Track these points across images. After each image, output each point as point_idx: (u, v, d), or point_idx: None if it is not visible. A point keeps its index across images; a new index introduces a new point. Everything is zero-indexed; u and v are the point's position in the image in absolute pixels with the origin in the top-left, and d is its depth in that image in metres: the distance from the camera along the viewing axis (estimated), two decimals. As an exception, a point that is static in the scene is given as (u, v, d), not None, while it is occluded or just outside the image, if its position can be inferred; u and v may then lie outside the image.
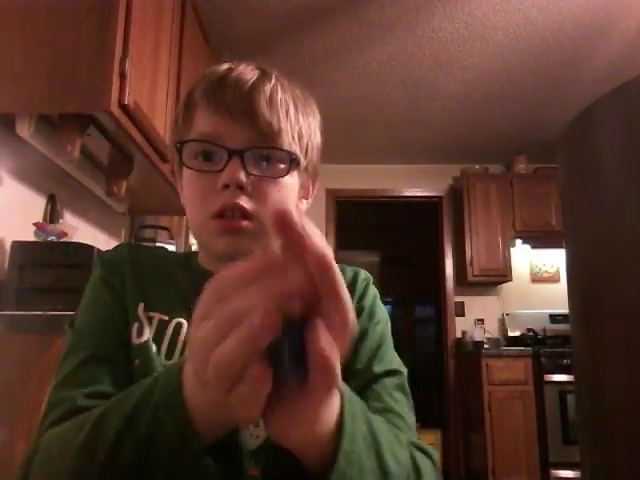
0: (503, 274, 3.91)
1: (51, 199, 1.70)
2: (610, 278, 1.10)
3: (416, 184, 4.39)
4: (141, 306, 0.59)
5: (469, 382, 3.74)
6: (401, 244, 6.26)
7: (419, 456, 0.49)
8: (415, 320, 6.48)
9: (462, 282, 4.08)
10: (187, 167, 0.59)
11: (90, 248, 1.47)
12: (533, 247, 4.15)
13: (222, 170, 0.56)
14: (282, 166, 0.59)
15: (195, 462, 0.38)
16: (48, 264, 1.42)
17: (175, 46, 1.92)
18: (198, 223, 0.59)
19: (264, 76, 0.60)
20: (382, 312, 0.68)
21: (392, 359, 0.64)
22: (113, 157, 1.78)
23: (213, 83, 0.59)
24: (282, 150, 0.58)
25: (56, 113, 1.44)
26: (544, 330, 3.85)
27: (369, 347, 0.62)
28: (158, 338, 0.57)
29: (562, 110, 3.38)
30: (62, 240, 1.56)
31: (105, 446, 0.40)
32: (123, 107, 1.41)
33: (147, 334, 0.57)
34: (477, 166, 4.19)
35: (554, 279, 4.21)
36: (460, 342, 4.03)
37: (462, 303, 4.21)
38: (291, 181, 0.60)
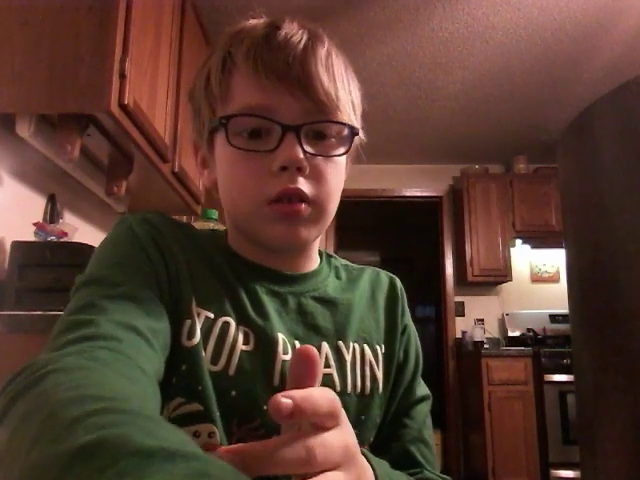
0: (503, 274, 3.91)
1: (51, 199, 1.70)
2: (610, 278, 1.10)
3: (416, 184, 4.39)
4: (194, 301, 0.49)
5: (469, 382, 3.74)
6: (401, 244, 6.26)
7: None
8: (415, 320, 6.42)
9: (462, 282, 4.08)
10: (235, 147, 0.49)
11: (90, 248, 1.47)
12: (533, 247, 4.15)
13: (276, 149, 0.48)
14: (338, 142, 0.52)
15: None
16: (48, 264, 1.42)
17: (175, 46, 1.92)
18: (248, 210, 0.51)
19: (315, 37, 0.52)
20: (414, 327, 0.65)
21: (422, 382, 0.62)
22: (113, 157, 1.78)
23: (258, 43, 0.50)
24: (343, 124, 0.51)
25: (56, 113, 1.44)
26: (544, 330, 3.85)
27: (410, 369, 0.60)
28: (204, 339, 0.49)
29: (562, 110, 3.38)
30: (62, 240, 1.56)
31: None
32: (123, 107, 1.41)
33: (199, 336, 0.48)
34: (477, 166, 4.19)
35: (554, 279, 4.21)
36: (460, 342, 4.03)
37: (462, 303, 4.21)
38: (343, 158, 0.54)
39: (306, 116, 0.49)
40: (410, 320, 0.64)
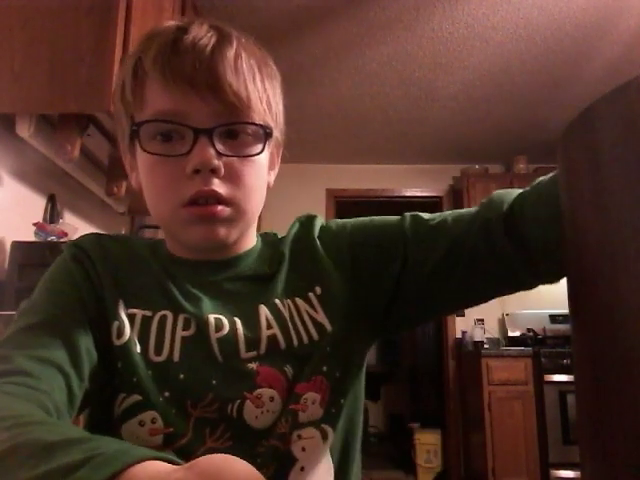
0: (503, 274, 3.90)
1: (51, 199, 1.70)
2: (610, 278, 1.10)
3: (416, 184, 4.39)
4: (120, 303, 0.53)
5: (469, 382, 3.74)
6: (401, 244, 6.25)
7: None
8: (415, 320, 6.46)
9: (462, 282, 4.08)
10: (147, 152, 0.51)
11: (90, 248, 1.47)
12: (533, 247, 4.15)
13: (189, 152, 0.49)
14: (253, 141, 0.53)
15: None
16: (48, 264, 1.41)
17: (175, 46, 1.92)
18: (166, 213, 0.53)
19: (224, 38, 0.52)
20: (352, 220, 0.63)
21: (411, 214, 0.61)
22: (113, 157, 1.78)
23: (166, 49, 0.50)
24: (254, 124, 0.52)
25: (56, 113, 1.44)
26: (544, 330, 3.85)
27: (396, 247, 0.58)
28: (144, 336, 0.52)
29: (562, 110, 3.38)
30: (62, 240, 1.56)
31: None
32: (123, 107, 1.41)
33: (127, 334, 0.52)
34: (477, 166, 4.19)
35: (554, 279, 4.21)
36: (460, 342, 4.03)
37: (462, 303, 4.20)
38: (262, 156, 0.54)
39: (217, 118, 0.50)
40: (350, 225, 0.62)
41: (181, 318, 0.54)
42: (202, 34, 0.51)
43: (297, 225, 0.64)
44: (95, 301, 0.53)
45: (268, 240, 0.64)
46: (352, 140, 3.96)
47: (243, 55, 0.52)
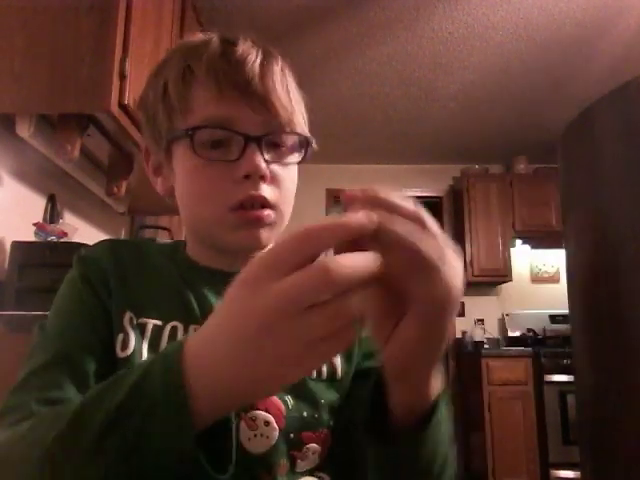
0: (503, 274, 3.91)
1: (51, 199, 1.70)
2: (610, 278, 1.10)
3: (416, 184, 4.39)
4: (127, 315, 0.54)
5: (469, 382, 3.74)
6: (401, 244, 6.25)
7: None
8: (415, 320, 6.47)
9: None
10: (200, 157, 0.52)
11: (90, 248, 1.47)
12: (533, 247, 4.15)
13: (239, 159, 0.52)
14: (293, 149, 0.57)
15: (189, 457, 0.34)
16: (48, 264, 1.42)
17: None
18: (211, 217, 0.54)
19: (269, 54, 0.56)
20: None
21: None
22: (113, 157, 1.78)
23: (218, 59, 0.53)
24: (299, 134, 0.56)
25: (56, 113, 1.44)
26: (544, 330, 3.85)
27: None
28: (154, 346, 0.53)
29: (562, 110, 3.38)
30: (62, 240, 1.56)
31: (87, 441, 0.35)
32: (123, 107, 1.41)
33: (132, 347, 0.52)
34: (477, 166, 4.19)
35: (554, 279, 4.21)
36: (460, 342, 4.03)
37: (462, 303, 4.20)
38: (296, 164, 0.59)
39: (265, 127, 0.53)
40: None
41: (191, 329, 0.54)
42: (249, 48, 0.54)
43: None
44: (103, 315, 0.54)
45: None
46: (352, 140, 3.96)
47: (286, 71, 0.57)
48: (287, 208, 0.57)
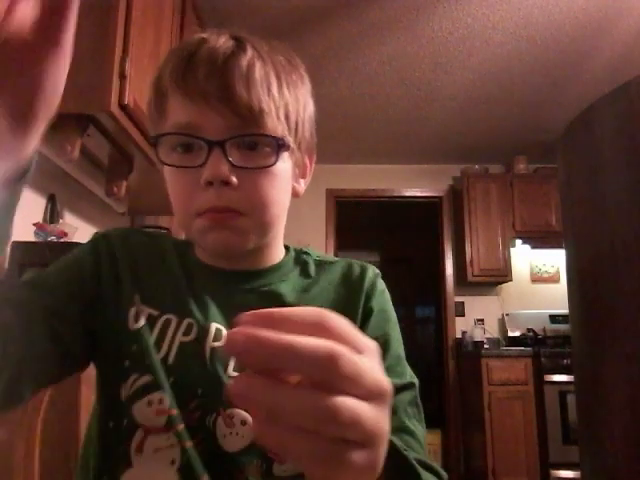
0: (503, 274, 3.91)
1: (51, 199, 1.70)
2: (610, 278, 1.10)
3: (416, 184, 4.39)
4: (137, 296, 0.56)
5: (469, 382, 3.74)
6: (401, 244, 6.25)
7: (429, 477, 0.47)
8: (415, 320, 6.48)
9: (462, 282, 4.08)
10: (165, 164, 0.54)
11: (90, 248, 1.47)
12: (533, 247, 4.15)
13: (204, 164, 0.50)
14: (271, 152, 0.52)
15: None
16: (48, 264, 1.41)
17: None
18: (184, 221, 0.55)
19: (239, 47, 0.52)
20: (394, 313, 0.64)
21: (406, 370, 0.60)
22: (113, 157, 1.78)
23: (182, 62, 0.51)
24: (267, 136, 0.51)
25: (56, 113, 1.44)
26: (544, 330, 3.85)
27: (390, 357, 0.58)
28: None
29: (562, 110, 3.38)
30: (62, 240, 1.56)
31: None
32: (123, 107, 1.41)
33: (143, 321, 0.54)
34: (477, 166, 4.19)
35: (554, 279, 4.21)
36: (460, 342, 4.03)
37: (462, 303, 4.21)
38: (282, 166, 0.54)
39: (230, 130, 0.50)
40: (383, 304, 0.62)
41: (185, 323, 0.55)
42: (219, 44, 0.51)
43: (356, 268, 0.64)
44: (110, 284, 0.56)
45: (301, 260, 0.64)
46: (352, 140, 3.96)
47: (257, 64, 0.51)
48: (265, 215, 0.54)
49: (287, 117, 0.54)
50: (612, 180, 1.19)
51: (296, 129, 0.55)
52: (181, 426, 0.50)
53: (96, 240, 0.59)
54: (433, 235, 4.51)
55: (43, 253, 1.43)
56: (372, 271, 0.64)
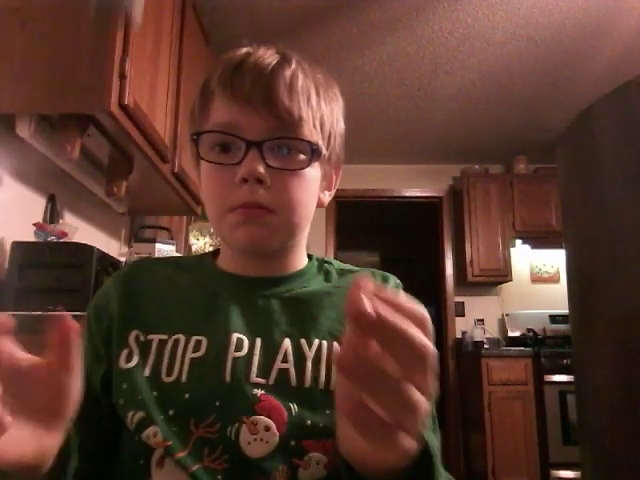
0: (503, 274, 3.91)
1: (51, 199, 1.70)
2: (610, 278, 1.10)
3: (416, 184, 4.39)
4: (133, 333, 0.57)
5: (469, 382, 3.74)
6: (401, 244, 6.25)
7: None
8: (415, 320, 6.47)
9: (462, 282, 4.08)
10: (204, 160, 0.57)
11: (90, 248, 1.47)
12: (533, 247, 4.15)
13: (240, 162, 0.54)
14: (303, 157, 0.56)
15: None
16: (48, 264, 1.42)
17: (175, 46, 1.92)
18: (217, 217, 0.57)
19: (284, 60, 0.57)
20: None
21: None
22: (113, 157, 1.78)
23: (230, 69, 0.56)
24: (303, 140, 0.55)
25: (56, 113, 1.44)
26: (544, 330, 3.85)
27: None
28: (158, 359, 0.56)
29: (562, 110, 3.38)
30: (62, 240, 1.56)
31: None
32: (123, 107, 1.41)
33: (135, 360, 0.56)
34: (477, 166, 4.19)
35: (554, 279, 4.21)
36: (460, 342, 4.03)
37: (462, 303, 4.21)
38: (313, 173, 0.58)
39: (269, 132, 0.54)
40: None
41: (193, 340, 0.56)
42: (265, 56, 0.56)
43: (378, 277, 0.65)
44: (106, 338, 0.58)
45: (324, 269, 0.66)
46: (352, 140, 3.93)
47: (300, 76, 0.56)
48: (293, 215, 0.57)
49: (322, 127, 0.58)
50: (612, 180, 1.19)
51: (329, 140, 0.60)
52: (182, 454, 0.51)
53: (95, 302, 0.62)
54: (433, 235, 4.51)
55: (43, 253, 1.43)
56: (393, 281, 0.66)
